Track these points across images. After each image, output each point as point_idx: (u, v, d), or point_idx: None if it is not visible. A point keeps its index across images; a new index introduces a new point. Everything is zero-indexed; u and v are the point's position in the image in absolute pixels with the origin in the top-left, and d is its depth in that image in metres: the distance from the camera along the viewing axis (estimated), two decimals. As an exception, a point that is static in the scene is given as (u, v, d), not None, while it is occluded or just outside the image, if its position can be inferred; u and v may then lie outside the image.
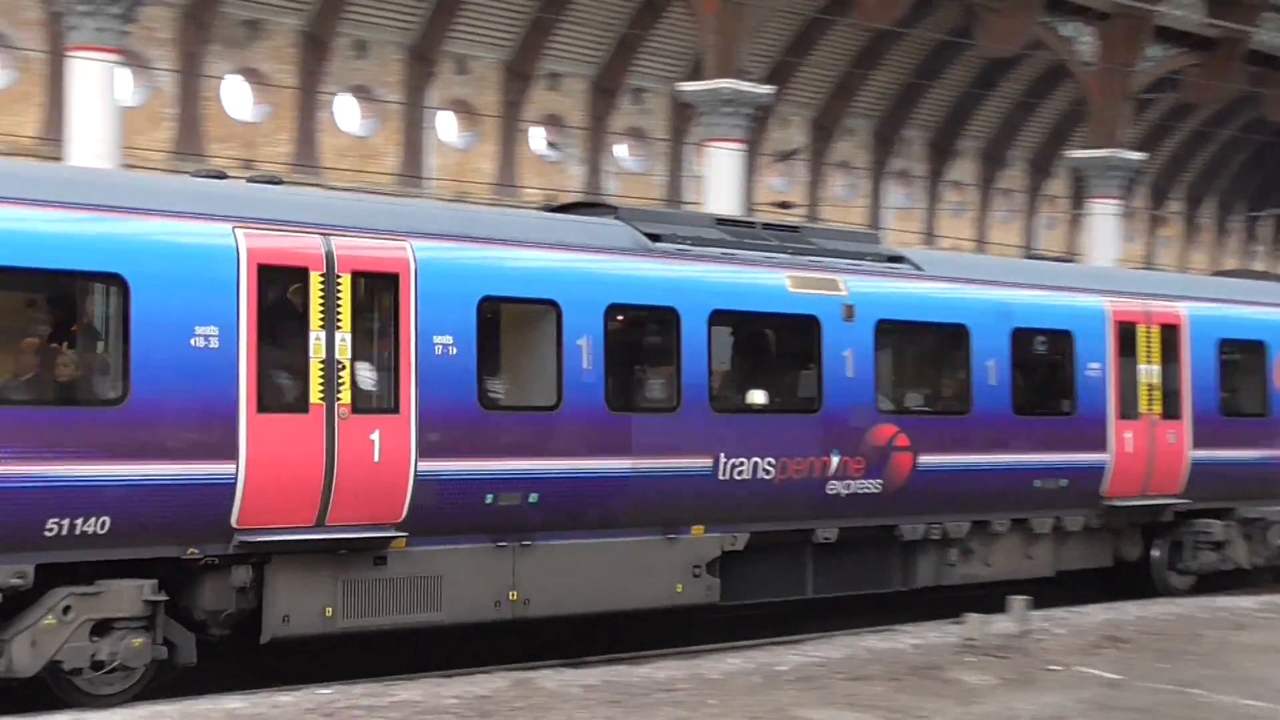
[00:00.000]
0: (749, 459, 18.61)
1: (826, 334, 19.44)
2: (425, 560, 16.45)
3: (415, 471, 16.04)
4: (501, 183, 42.46)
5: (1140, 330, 22.89)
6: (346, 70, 40.08)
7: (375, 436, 15.82)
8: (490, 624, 17.09)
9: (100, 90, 27.89)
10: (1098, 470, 22.22)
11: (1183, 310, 23.57)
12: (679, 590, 18.46)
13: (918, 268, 20.98)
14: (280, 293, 15.54)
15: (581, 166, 44.77)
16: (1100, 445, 22.24)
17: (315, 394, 15.48)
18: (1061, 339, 22.09)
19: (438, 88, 41.74)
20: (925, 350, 21.53)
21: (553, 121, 44.37)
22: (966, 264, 24.33)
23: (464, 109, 42.68)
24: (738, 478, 18.56)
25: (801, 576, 19.76)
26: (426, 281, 16.30)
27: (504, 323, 17.30)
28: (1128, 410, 22.55)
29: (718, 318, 18.71)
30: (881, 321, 19.93)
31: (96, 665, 14.62)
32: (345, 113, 40.75)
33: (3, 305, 14.66)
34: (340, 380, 15.64)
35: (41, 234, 14.27)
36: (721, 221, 20.34)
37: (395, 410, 15.99)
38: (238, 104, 39.03)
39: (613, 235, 18.44)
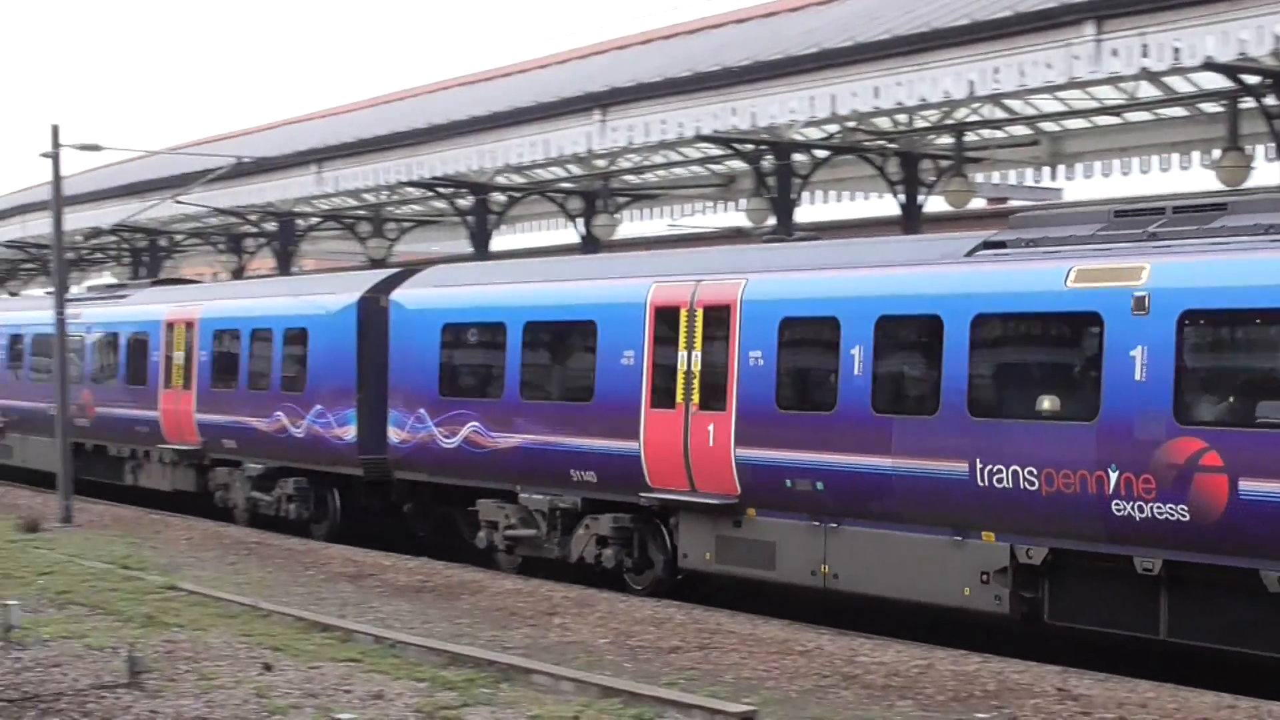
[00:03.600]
0: (1007, 466, 18.23)
1: (1110, 332, 17.46)
2: (764, 528, 21.34)
3: (735, 456, 21.61)
4: None
5: None
6: None
7: (711, 428, 21.88)
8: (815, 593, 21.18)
9: None
10: None
11: None
12: (966, 593, 18.90)
13: None
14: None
15: None
16: None
17: (679, 396, 22.47)
18: None
19: None
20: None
21: None
22: None
23: None
24: (997, 485, 18.35)
25: (1152, 612, 17.35)
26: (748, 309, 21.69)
27: (798, 338, 21.28)
28: None
29: (981, 322, 18.77)
30: (1189, 313, 16.93)
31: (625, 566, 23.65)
32: None
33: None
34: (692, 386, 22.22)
35: None
36: (1120, 214, 18.75)
37: (723, 408, 21.80)
38: None
39: (932, 250, 20.41)
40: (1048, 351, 19.08)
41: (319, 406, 29.57)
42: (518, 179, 37.95)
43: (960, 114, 29.93)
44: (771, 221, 31.22)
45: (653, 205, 40.42)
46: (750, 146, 30.89)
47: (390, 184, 35.91)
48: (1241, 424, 16.52)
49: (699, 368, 22.01)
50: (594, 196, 37.78)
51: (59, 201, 35.89)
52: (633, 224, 42.07)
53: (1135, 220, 18.40)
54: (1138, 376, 17.16)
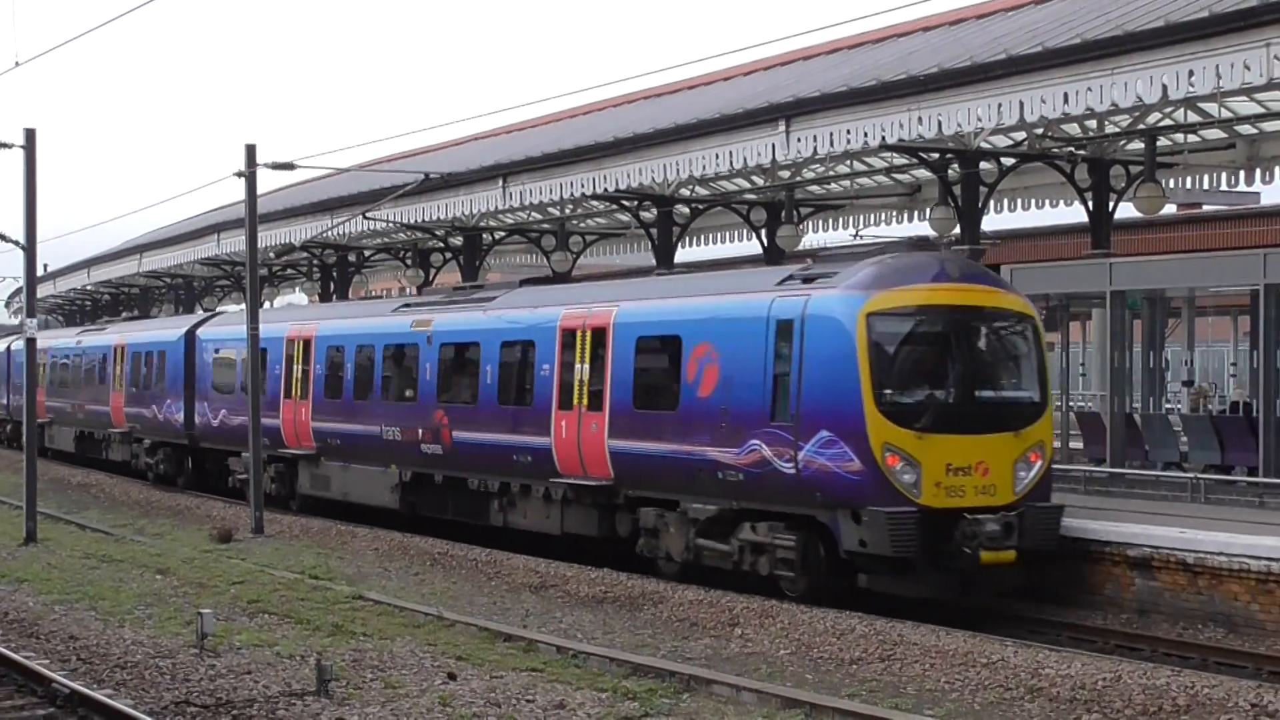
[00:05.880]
0: (390, 428, 33.43)
1: (421, 354, 32.57)
2: (327, 468, 36.73)
3: (313, 427, 37.59)
4: None
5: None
6: None
7: (302, 411, 38.14)
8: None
9: None
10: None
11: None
12: (387, 498, 33.96)
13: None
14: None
15: None
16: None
17: (295, 390, 38.45)
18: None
19: None
20: (473, 360, 30.99)
21: None
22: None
23: None
24: (390, 439, 33.39)
25: (447, 504, 32.20)
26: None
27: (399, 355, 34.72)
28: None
29: (388, 349, 34.35)
30: (444, 344, 32.00)
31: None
32: None
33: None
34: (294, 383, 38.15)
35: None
36: (456, 289, 35.67)
37: (306, 398, 37.63)
38: None
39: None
40: (407, 363, 33.30)
41: (169, 400, 45.08)
42: (702, 191, 38.00)
43: (1152, 119, 29.37)
44: (957, 231, 30.87)
45: (837, 215, 40.21)
46: (936, 155, 30.63)
47: (574, 197, 36.09)
48: (455, 402, 31.48)
49: (301, 374, 37.50)
50: (778, 207, 37.69)
51: (253, 220, 36.57)
52: (817, 234, 41.87)
53: (460, 293, 34.24)
54: (428, 377, 32.29)
